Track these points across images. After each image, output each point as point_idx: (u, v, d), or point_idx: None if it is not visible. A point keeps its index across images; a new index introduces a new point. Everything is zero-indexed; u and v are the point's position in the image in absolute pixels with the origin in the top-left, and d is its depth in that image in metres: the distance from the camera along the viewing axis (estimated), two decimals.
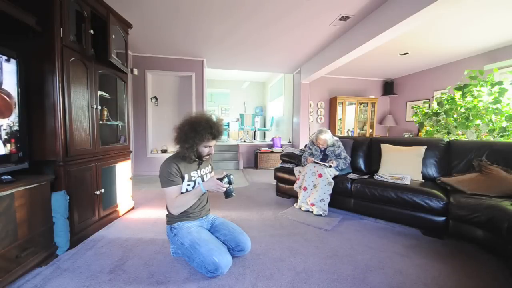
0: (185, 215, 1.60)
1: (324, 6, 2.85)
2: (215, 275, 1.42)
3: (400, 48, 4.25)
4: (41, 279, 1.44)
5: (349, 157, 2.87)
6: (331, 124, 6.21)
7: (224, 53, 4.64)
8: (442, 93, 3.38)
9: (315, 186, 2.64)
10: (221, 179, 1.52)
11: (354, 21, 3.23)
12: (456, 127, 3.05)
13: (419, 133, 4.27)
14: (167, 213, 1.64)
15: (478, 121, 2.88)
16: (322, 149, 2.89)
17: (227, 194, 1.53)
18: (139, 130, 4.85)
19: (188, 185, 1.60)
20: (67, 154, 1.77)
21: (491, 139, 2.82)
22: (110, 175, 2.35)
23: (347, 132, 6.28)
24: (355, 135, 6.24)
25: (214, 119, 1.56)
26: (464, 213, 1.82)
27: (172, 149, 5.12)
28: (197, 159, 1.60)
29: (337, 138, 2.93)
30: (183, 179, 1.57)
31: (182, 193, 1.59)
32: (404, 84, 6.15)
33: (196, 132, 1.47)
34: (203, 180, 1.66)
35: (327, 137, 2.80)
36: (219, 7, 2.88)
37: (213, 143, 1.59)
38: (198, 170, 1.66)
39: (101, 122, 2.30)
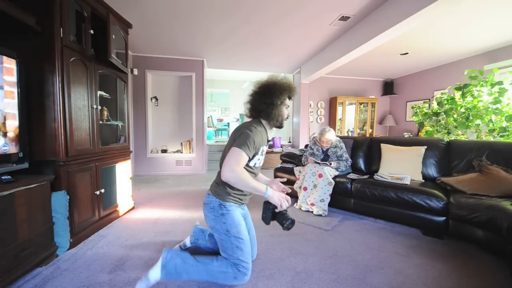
0: (239, 196, 1.41)
1: (324, 6, 2.84)
2: (240, 281, 1.27)
3: (400, 48, 4.25)
4: (41, 279, 1.44)
5: (350, 159, 2.87)
6: (331, 124, 6.20)
7: (224, 53, 4.64)
8: (442, 93, 3.38)
9: (315, 186, 2.63)
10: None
11: (354, 21, 3.23)
12: (456, 127, 3.05)
13: (419, 133, 4.27)
14: (218, 181, 1.38)
15: (478, 121, 2.89)
16: (324, 149, 2.89)
17: (283, 219, 1.21)
18: (139, 130, 4.85)
19: (259, 159, 1.40)
20: (67, 154, 1.77)
21: (491, 139, 2.82)
22: (110, 175, 2.35)
23: (347, 132, 6.28)
24: (355, 135, 6.24)
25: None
26: (464, 213, 1.82)
27: (172, 149, 5.13)
28: (280, 125, 1.43)
29: (339, 139, 2.93)
30: (256, 153, 1.35)
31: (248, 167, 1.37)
32: (404, 84, 6.15)
33: (282, 86, 1.35)
34: None
35: (331, 136, 2.80)
36: (219, 7, 2.88)
37: (289, 103, 1.45)
38: (265, 147, 1.46)
39: (101, 122, 2.29)
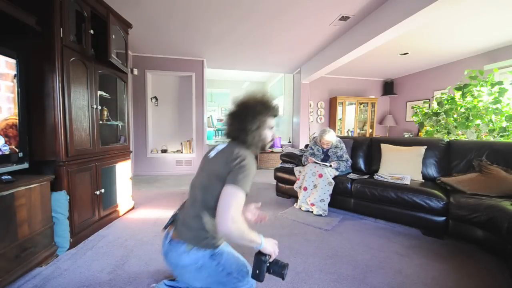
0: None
1: (325, 6, 2.84)
2: None
3: (400, 48, 4.25)
4: (41, 279, 1.44)
5: (350, 160, 2.87)
6: (331, 124, 6.20)
7: (224, 53, 4.63)
8: (442, 93, 3.38)
9: (315, 186, 2.64)
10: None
11: (354, 21, 3.23)
12: (456, 127, 3.05)
13: (419, 133, 4.27)
14: (201, 226, 0.99)
15: (478, 121, 2.89)
16: (325, 149, 2.89)
17: (280, 268, 0.97)
18: (139, 130, 4.85)
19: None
20: (67, 154, 1.77)
21: (491, 139, 2.82)
22: (110, 175, 2.35)
23: (347, 132, 6.28)
24: (355, 135, 6.24)
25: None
26: (464, 213, 1.82)
27: (172, 149, 5.13)
28: (263, 150, 1.17)
29: (340, 139, 2.93)
30: None
31: None
32: (404, 84, 6.15)
33: (265, 106, 1.09)
34: None
35: (331, 137, 2.80)
36: (216, 6, 2.87)
37: (273, 123, 1.17)
38: None
39: (101, 122, 2.29)
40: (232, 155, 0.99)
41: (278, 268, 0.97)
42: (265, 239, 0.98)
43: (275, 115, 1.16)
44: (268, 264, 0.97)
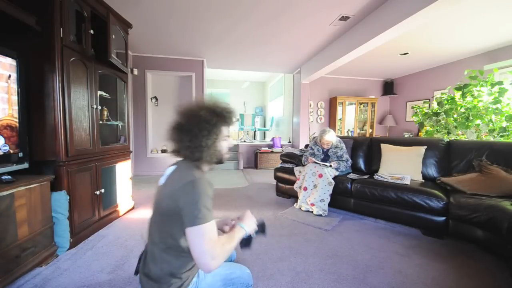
0: (193, 265, 0.94)
1: (324, 6, 2.84)
2: None
3: (400, 48, 4.25)
4: (41, 279, 1.44)
5: (350, 160, 2.87)
6: (331, 124, 6.20)
7: (224, 53, 4.64)
8: (442, 93, 3.38)
9: (315, 186, 2.64)
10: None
11: (354, 21, 3.23)
12: (456, 127, 3.05)
13: (419, 133, 4.27)
14: (169, 271, 0.87)
15: (478, 121, 2.88)
16: (325, 149, 2.89)
17: (261, 228, 1.07)
18: (139, 130, 4.85)
19: None
20: (67, 154, 1.77)
21: (491, 139, 2.82)
22: (110, 175, 2.35)
23: (347, 132, 6.28)
24: (355, 135, 6.24)
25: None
26: (464, 213, 1.82)
27: None
28: (219, 162, 1.02)
29: (340, 140, 2.93)
30: None
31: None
32: (404, 84, 6.15)
33: (220, 116, 0.94)
34: None
35: (331, 137, 2.80)
36: (216, 6, 2.87)
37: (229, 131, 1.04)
38: None
39: (101, 122, 2.30)
40: (179, 187, 0.82)
41: (260, 229, 1.06)
42: (243, 223, 0.98)
43: (232, 122, 1.01)
44: (254, 236, 1.03)
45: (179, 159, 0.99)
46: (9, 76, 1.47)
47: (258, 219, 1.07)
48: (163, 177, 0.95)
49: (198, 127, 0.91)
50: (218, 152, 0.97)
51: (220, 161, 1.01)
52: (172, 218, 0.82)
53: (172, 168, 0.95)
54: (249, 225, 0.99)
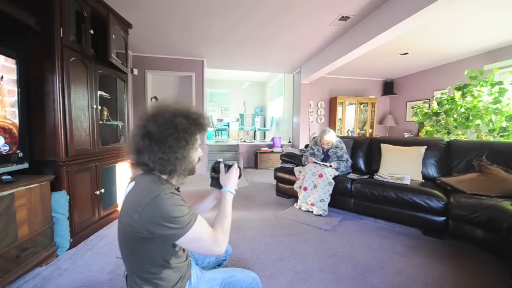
0: (181, 279, 0.86)
1: (325, 6, 2.84)
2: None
3: (400, 48, 4.25)
4: (41, 279, 1.44)
5: (350, 160, 2.87)
6: (331, 124, 6.21)
7: (224, 53, 4.64)
8: (442, 93, 3.38)
9: (315, 186, 2.64)
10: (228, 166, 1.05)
11: (354, 21, 3.23)
12: (456, 127, 3.05)
13: (419, 133, 4.28)
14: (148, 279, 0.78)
15: (478, 121, 2.89)
16: (325, 150, 2.89)
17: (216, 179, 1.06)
18: None
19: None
20: (67, 154, 1.77)
21: (491, 139, 2.82)
22: (110, 175, 2.35)
23: (347, 132, 6.28)
24: (355, 135, 6.24)
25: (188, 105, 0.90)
26: (464, 213, 1.82)
27: None
28: (191, 174, 0.91)
29: (340, 140, 2.93)
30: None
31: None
32: (404, 84, 6.15)
33: (196, 123, 0.83)
34: None
35: (332, 137, 2.80)
36: (216, 6, 2.87)
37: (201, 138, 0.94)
38: None
39: (101, 122, 2.29)
40: (144, 209, 0.71)
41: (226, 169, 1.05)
42: (226, 179, 1.01)
43: (203, 130, 0.89)
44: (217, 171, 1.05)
45: (138, 172, 0.85)
46: (2, 77, 1.42)
47: (226, 163, 1.06)
48: (126, 192, 0.85)
49: (174, 137, 0.78)
50: (191, 164, 0.88)
51: (192, 173, 0.91)
52: (141, 242, 0.74)
53: (133, 183, 0.84)
54: (230, 184, 1.00)
